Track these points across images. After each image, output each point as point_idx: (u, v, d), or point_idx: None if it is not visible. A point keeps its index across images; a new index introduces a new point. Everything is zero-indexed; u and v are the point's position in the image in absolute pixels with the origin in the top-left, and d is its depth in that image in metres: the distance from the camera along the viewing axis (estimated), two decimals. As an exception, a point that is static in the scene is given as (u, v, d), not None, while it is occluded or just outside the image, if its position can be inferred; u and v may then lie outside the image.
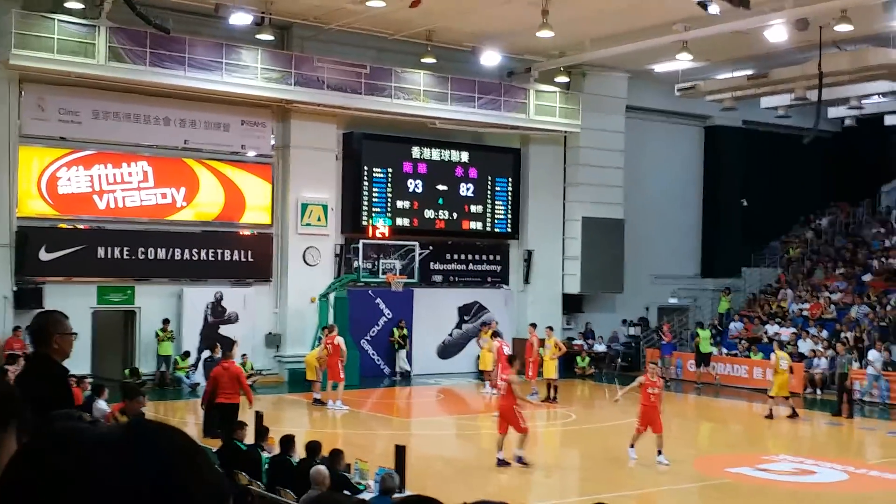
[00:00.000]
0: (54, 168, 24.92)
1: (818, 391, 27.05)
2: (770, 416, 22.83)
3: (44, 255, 24.51)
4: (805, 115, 31.24)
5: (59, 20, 23.55)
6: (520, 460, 16.89)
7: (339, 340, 23.44)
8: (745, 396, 27.34)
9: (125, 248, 25.68)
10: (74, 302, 24.82)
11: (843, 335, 28.00)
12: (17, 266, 24.20)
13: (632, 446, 17.28)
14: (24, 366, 7.24)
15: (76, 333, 6.48)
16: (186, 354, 25.98)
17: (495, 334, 25.19)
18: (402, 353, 28.95)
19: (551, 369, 24.69)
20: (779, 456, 18.35)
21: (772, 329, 30.63)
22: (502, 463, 16.74)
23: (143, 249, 25.93)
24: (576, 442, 21.13)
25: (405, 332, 28.95)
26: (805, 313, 31.15)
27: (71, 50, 23.72)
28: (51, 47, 23.42)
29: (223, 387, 17.75)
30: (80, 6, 23.73)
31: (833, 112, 34.01)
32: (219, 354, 19.79)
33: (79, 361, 23.07)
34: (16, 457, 1.27)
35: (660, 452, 16.99)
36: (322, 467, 10.93)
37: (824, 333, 28.94)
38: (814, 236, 37.33)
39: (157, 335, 25.83)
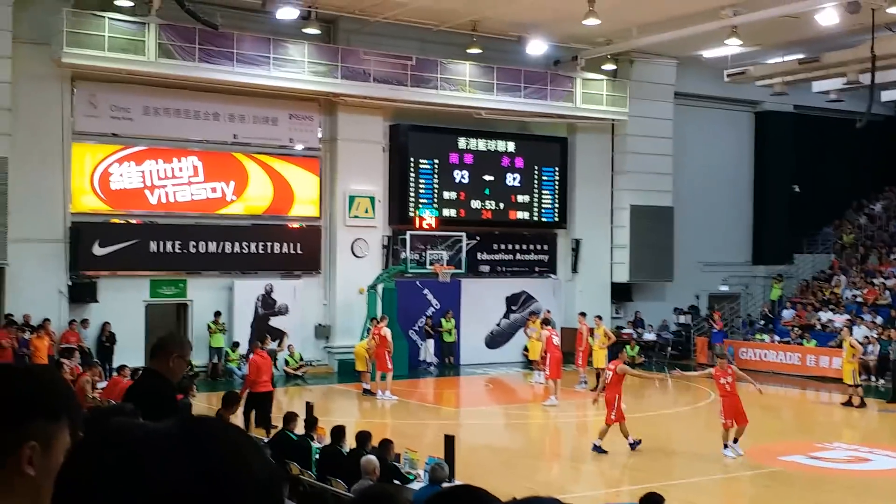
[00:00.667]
0: (106, 164, 25.31)
1: (873, 378, 26.63)
2: (850, 404, 22.54)
3: (97, 250, 24.92)
4: (857, 99, 30.71)
5: (109, 18, 23.89)
6: (596, 446, 17.11)
7: (386, 331, 23.54)
8: (797, 384, 27.02)
9: (177, 242, 26.03)
10: (127, 296, 25.29)
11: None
12: (71, 261, 24.64)
13: (726, 446, 16.49)
14: (137, 378, 7.35)
15: (190, 361, 6.76)
16: (236, 345, 26.29)
17: (546, 322, 25.03)
18: (430, 343, 28.89)
19: (601, 358, 24.58)
20: (833, 444, 18.13)
21: (825, 316, 30.23)
22: (634, 445, 17.09)
23: (194, 243, 26.26)
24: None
25: (430, 322, 28.96)
26: (859, 299, 30.69)
27: (121, 47, 24.05)
28: (101, 45, 23.77)
29: (259, 375, 17.96)
30: (130, 4, 24.08)
31: (886, 95, 33.38)
32: (269, 346, 19.97)
33: (133, 354, 23.50)
34: (71, 453, 1.31)
35: (736, 440, 16.56)
36: (372, 457, 11.01)
37: (879, 319, 28.49)
38: (867, 221, 36.72)
39: (208, 327, 26.16)
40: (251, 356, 19.12)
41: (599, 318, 26.18)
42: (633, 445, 17.09)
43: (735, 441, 16.61)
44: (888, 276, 31.60)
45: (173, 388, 6.28)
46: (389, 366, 23.22)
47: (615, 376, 17.56)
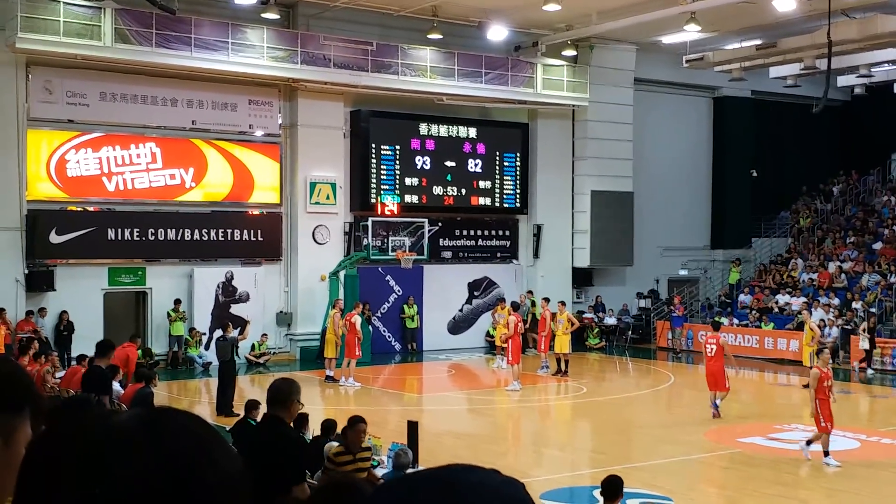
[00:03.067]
0: (63, 151, 24.98)
1: (831, 360, 26.95)
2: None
3: (54, 238, 24.61)
4: (814, 85, 31.05)
5: (64, 3, 23.52)
6: (716, 408, 18.79)
7: (357, 319, 23.51)
8: (756, 367, 27.35)
9: (135, 230, 25.77)
10: (86, 284, 25.01)
11: (853, 304, 27.96)
12: (27, 249, 24.31)
13: (826, 454, 15.09)
14: (261, 426, 7.30)
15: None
16: (193, 332, 26.11)
17: (515, 308, 24.84)
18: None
19: (564, 344, 24.71)
20: (791, 425, 18.38)
21: (782, 299, 30.61)
22: (716, 413, 18.71)
23: (152, 230, 26.02)
24: (587, 415, 21.21)
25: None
26: (815, 283, 31.10)
27: (77, 32, 23.72)
28: (57, 30, 23.42)
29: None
30: (85, -12, 23.72)
31: (842, 81, 33.79)
32: (231, 334, 19.83)
33: (91, 342, 23.23)
34: (32, 444, 1.29)
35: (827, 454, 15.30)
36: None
37: (835, 302, 28.90)
38: (824, 206, 37.20)
39: (168, 315, 25.96)
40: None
41: (563, 303, 26.29)
42: (716, 408, 18.79)
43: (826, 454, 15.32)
44: (844, 259, 32.05)
45: (299, 433, 6.98)
46: (358, 353, 23.19)
47: (719, 348, 19.07)
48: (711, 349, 19.23)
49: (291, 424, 7.10)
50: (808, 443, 15.42)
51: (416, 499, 1.19)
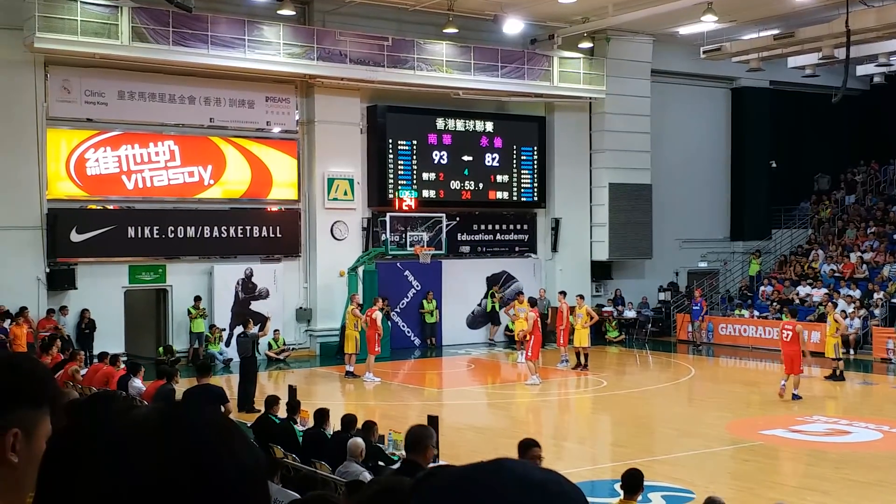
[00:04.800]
0: (82, 150, 25.12)
1: (852, 351, 26.84)
2: (834, 377, 22.81)
3: (75, 237, 24.75)
4: (833, 74, 30.84)
5: (81, 2, 23.63)
6: (783, 387, 19.93)
7: (377, 314, 23.58)
8: (777, 359, 27.21)
9: (155, 228, 25.88)
10: (106, 282, 25.16)
11: (875, 295, 27.77)
12: (48, 248, 24.47)
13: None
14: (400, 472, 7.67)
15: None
16: (213, 329, 26.19)
17: (533, 304, 24.68)
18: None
19: (583, 337, 24.65)
20: (813, 417, 18.30)
21: (803, 290, 30.44)
22: (796, 397, 19.83)
23: (172, 228, 26.13)
24: (608, 408, 21.18)
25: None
26: (837, 274, 30.91)
27: (94, 31, 23.83)
28: (74, 29, 23.53)
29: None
30: (102, -13, 23.82)
31: (861, 70, 33.52)
32: (252, 330, 19.91)
33: (113, 340, 23.43)
34: (54, 438, 1.30)
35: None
36: (359, 439, 11.01)
37: (857, 293, 28.72)
38: (844, 196, 36.94)
39: (189, 312, 26.07)
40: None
41: (581, 297, 26.22)
42: (796, 397, 19.78)
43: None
44: (865, 249, 31.84)
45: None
46: (377, 349, 23.27)
47: (795, 334, 20.24)
48: (788, 335, 20.41)
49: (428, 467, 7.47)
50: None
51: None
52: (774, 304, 30.07)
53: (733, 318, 30.51)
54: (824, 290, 29.56)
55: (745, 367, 27.28)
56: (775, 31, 29.12)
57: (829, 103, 28.12)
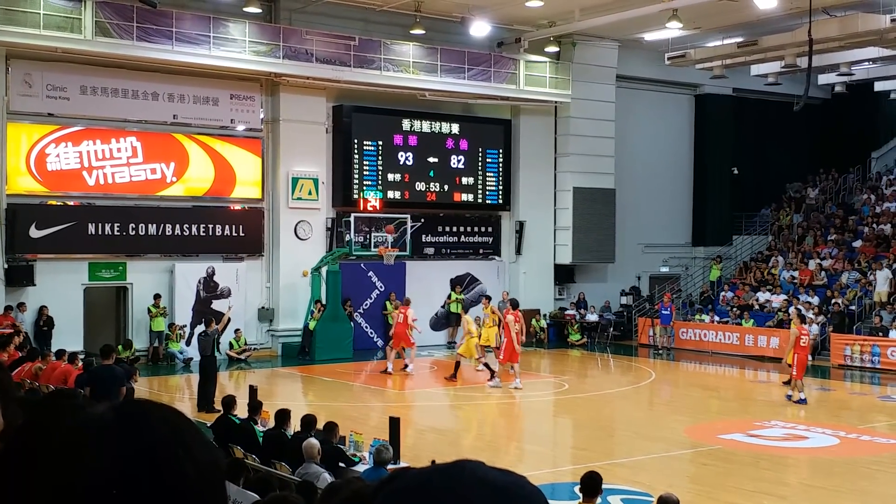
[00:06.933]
0: (43, 144, 24.80)
1: (810, 357, 27.09)
2: (787, 383, 22.99)
3: (34, 233, 24.44)
4: (795, 83, 31.23)
5: (44, -5, 23.35)
6: (789, 398, 20.73)
7: (410, 312, 24.95)
8: (736, 363, 27.49)
9: (116, 225, 25.62)
10: (66, 278, 24.86)
11: (833, 301, 28.10)
12: (7, 243, 24.15)
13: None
14: None
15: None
16: (173, 327, 25.96)
17: (515, 306, 24.04)
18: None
19: (490, 336, 24.83)
20: (771, 422, 18.48)
21: (762, 296, 30.75)
22: (802, 401, 20.40)
23: (133, 225, 25.87)
24: (568, 411, 21.26)
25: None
26: (796, 280, 31.26)
27: (57, 25, 23.55)
28: (37, 23, 23.25)
29: None
30: (66, -19, 23.54)
31: (823, 79, 33.98)
32: (212, 328, 19.74)
33: (72, 338, 23.15)
34: (11, 436, 1.28)
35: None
36: (314, 440, 10.97)
37: (815, 300, 29.06)
38: (804, 203, 37.38)
39: (149, 311, 25.82)
40: None
41: (488, 297, 26.22)
42: (802, 401, 20.35)
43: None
44: (824, 257, 32.23)
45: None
46: (413, 341, 25.06)
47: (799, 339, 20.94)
48: (805, 340, 21.16)
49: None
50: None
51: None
52: (735, 309, 30.36)
53: (694, 322, 30.75)
54: (783, 297, 29.89)
55: (706, 371, 27.52)
56: (739, 39, 29.43)
57: (790, 111, 28.45)
